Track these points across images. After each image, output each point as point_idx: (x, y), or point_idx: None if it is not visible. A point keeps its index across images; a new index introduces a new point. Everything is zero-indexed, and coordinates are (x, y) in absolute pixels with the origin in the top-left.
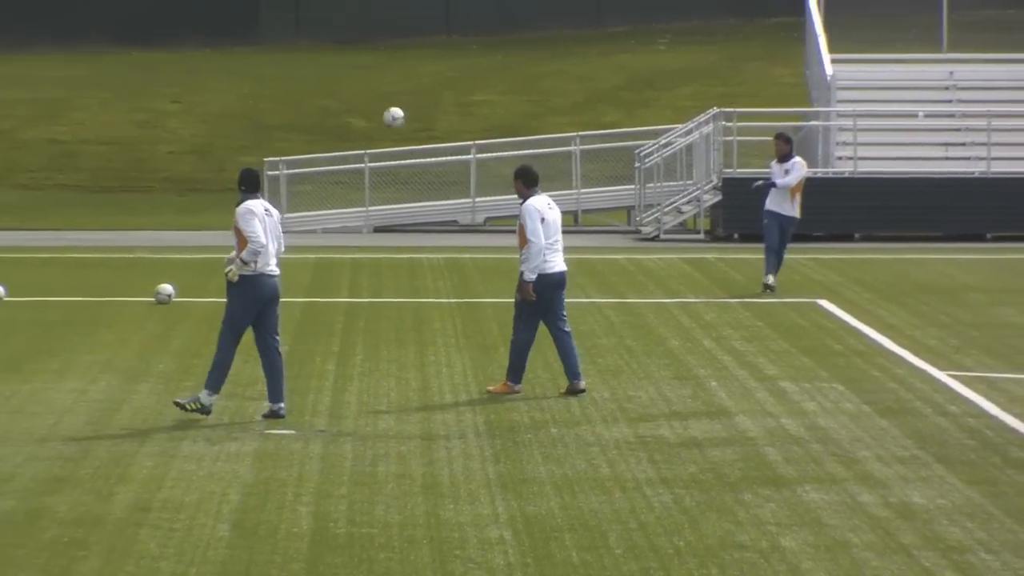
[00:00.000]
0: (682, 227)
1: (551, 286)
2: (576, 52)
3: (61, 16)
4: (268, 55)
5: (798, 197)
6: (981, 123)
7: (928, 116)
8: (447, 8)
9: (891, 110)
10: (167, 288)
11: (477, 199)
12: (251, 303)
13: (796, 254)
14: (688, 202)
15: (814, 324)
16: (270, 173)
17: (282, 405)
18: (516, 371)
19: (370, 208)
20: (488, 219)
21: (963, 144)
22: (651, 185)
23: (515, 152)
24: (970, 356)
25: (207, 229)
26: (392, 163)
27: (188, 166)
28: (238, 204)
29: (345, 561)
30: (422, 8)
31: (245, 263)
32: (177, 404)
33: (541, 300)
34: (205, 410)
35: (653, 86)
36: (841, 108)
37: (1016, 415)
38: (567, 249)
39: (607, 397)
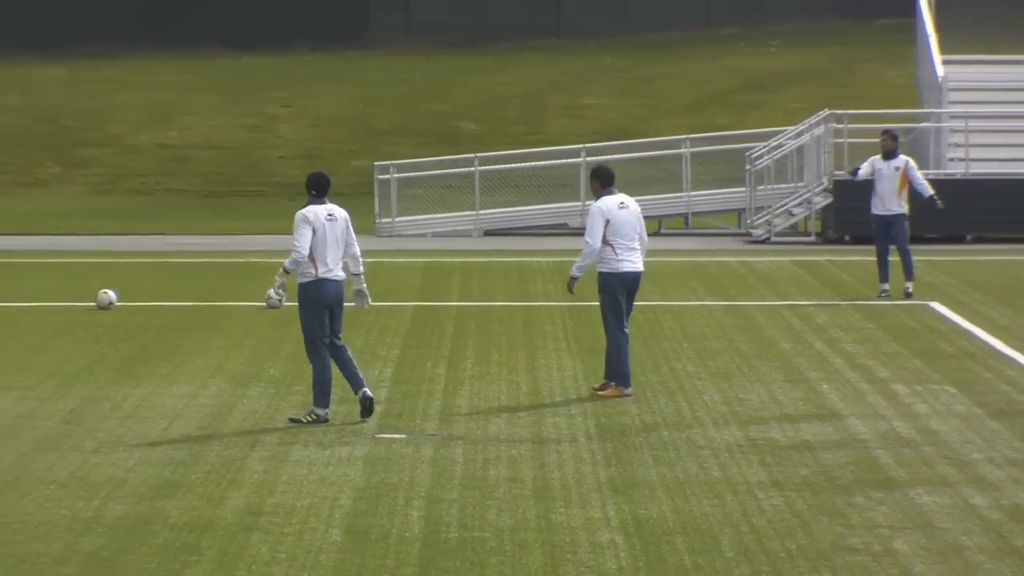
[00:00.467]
0: (793, 229)
1: (630, 282)
2: (686, 54)
3: (171, 21)
4: (378, 59)
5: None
6: None
7: None
8: (557, 11)
9: (1003, 111)
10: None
11: (587, 202)
12: (314, 308)
13: None
14: (799, 204)
15: (926, 326)
16: (380, 177)
17: (366, 389)
18: (620, 376)
19: (480, 212)
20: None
21: None
22: (762, 187)
23: (625, 155)
24: None
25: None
26: (502, 167)
27: (298, 170)
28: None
29: (456, 565)
30: (532, 12)
31: (287, 272)
32: (293, 420)
33: (622, 296)
34: (322, 419)
35: (764, 88)
36: (952, 109)
37: None
38: (675, 251)
39: (718, 400)
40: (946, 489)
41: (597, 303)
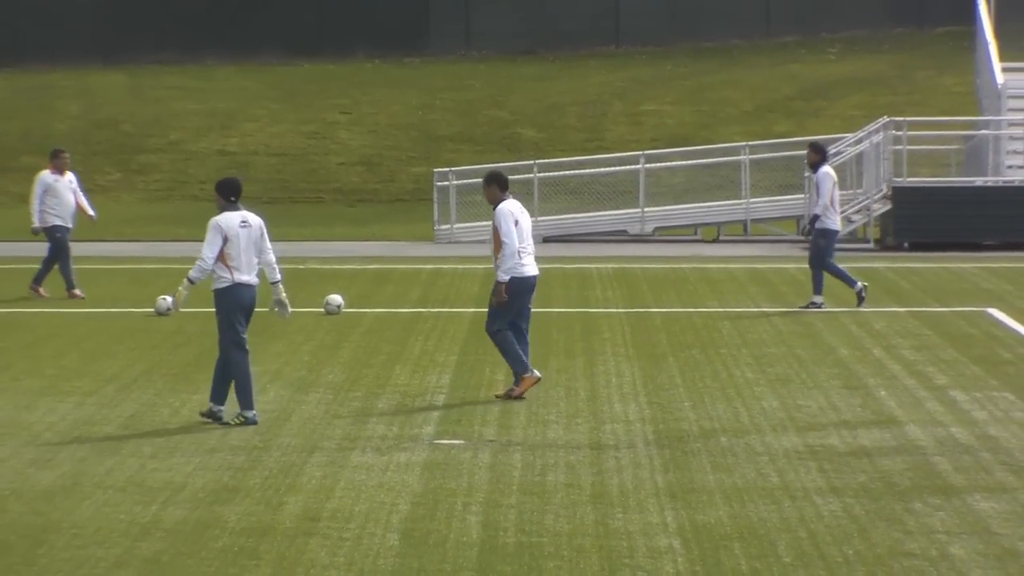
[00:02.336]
0: (852, 236)
1: (526, 290)
2: (745, 62)
3: (232, 28)
4: (438, 66)
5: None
6: None
7: None
8: (616, 19)
9: None
10: (336, 299)
11: (646, 209)
12: (231, 312)
13: (966, 263)
14: (858, 211)
15: (984, 333)
16: (439, 184)
17: (222, 408)
18: (518, 364)
19: (539, 218)
20: (657, 229)
21: None
22: None
23: (684, 162)
24: None
25: (376, 239)
26: (561, 173)
27: (358, 177)
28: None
29: (515, 570)
30: (591, 19)
31: (191, 282)
32: (224, 423)
33: (515, 302)
34: (251, 421)
35: (823, 95)
36: (1012, 116)
37: None
38: (734, 258)
39: (776, 406)
40: (1004, 495)
41: (655, 309)
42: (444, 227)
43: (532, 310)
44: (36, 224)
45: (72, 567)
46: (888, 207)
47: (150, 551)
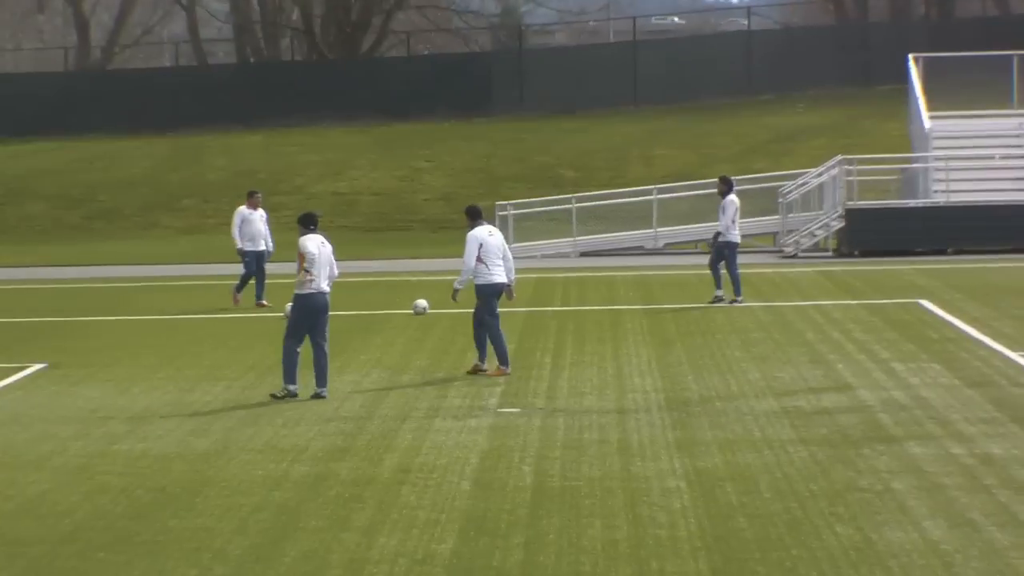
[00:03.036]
0: (815, 247)
1: (495, 293)
2: (733, 115)
3: (342, 97)
4: (498, 124)
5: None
6: None
7: (1003, 157)
8: (635, 85)
9: (975, 153)
10: (422, 303)
11: (659, 229)
12: (308, 315)
13: (903, 265)
14: (820, 227)
15: (917, 319)
16: (500, 213)
17: (324, 389)
18: (502, 356)
19: (577, 238)
20: (667, 244)
21: None
22: (791, 215)
23: (686, 192)
24: None
25: (453, 257)
26: (593, 203)
27: (438, 210)
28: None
29: (558, 507)
30: (616, 85)
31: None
32: (273, 396)
33: (491, 302)
34: (292, 394)
35: (793, 139)
36: (937, 153)
37: None
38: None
39: (758, 377)
40: (932, 442)
41: (665, 305)
42: None
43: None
44: (239, 245)
45: (222, 511)
46: (843, 224)
47: (281, 498)
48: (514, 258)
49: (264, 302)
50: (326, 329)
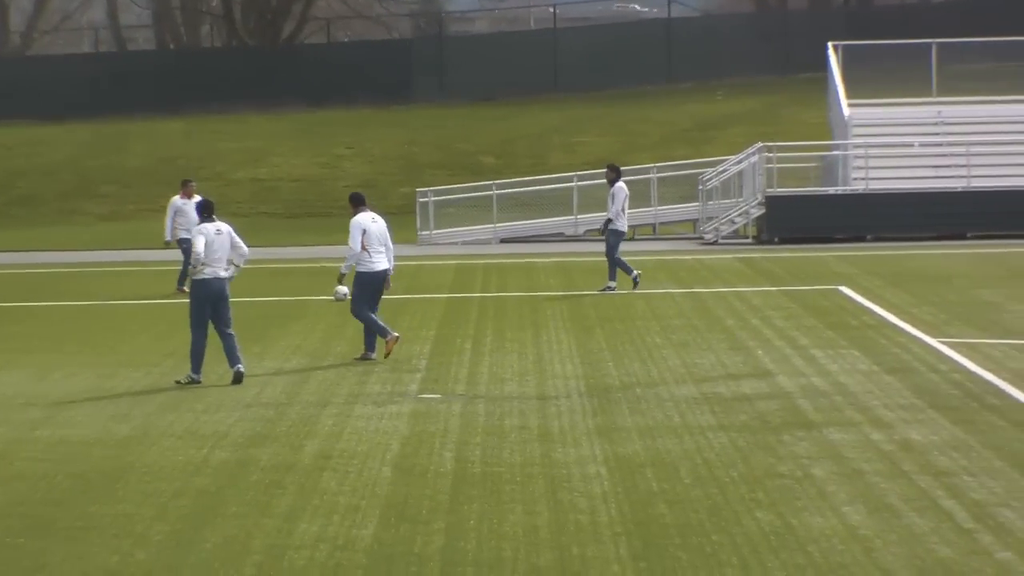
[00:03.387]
0: (735, 234)
1: (378, 280)
2: (654, 103)
3: (263, 85)
4: (419, 111)
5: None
6: (962, 150)
7: (922, 145)
8: (555, 73)
9: (894, 141)
10: (343, 289)
11: (579, 216)
12: (202, 301)
13: (822, 252)
14: (739, 214)
15: (836, 305)
16: (421, 200)
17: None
18: (381, 331)
19: (497, 224)
20: (587, 231)
21: (948, 166)
22: (711, 202)
23: None
24: (955, 327)
25: None
26: (514, 190)
27: None
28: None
29: (480, 493)
30: (536, 73)
31: (193, 267)
32: (177, 382)
33: (371, 289)
34: (196, 381)
35: (713, 127)
36: (856, 141)
37: (991, 371)
38: (646, 252)
39: (678, 364)
40: (852, 428)
41: (585, 292)
42: (425, 233)
43: (505, 294)
44: (168, 237)
45: (143, 497)
46: (763, 211)
47: (202, 484)
48: (436, 244)
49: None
50: (228, 315)
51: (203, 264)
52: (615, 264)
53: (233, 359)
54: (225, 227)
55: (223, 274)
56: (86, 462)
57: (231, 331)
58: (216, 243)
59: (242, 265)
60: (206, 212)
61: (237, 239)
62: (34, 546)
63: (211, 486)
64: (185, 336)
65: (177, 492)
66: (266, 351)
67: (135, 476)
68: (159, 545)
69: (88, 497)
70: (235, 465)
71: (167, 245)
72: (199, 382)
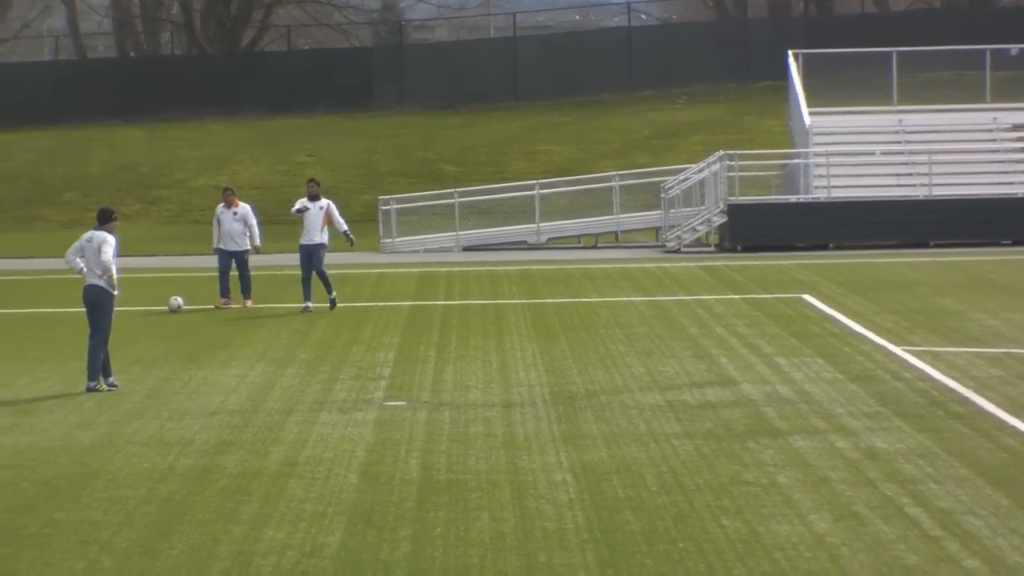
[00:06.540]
0: (698, 242)
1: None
2: (615, 111)
3: (224, 92)
4: (380, 119)
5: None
6: (923, 158)
7: (883, 154)
8: (515, 81)
9: (855, 150)
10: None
11: (541, 224)
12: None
13: (785, 260)
14: (702, 223)
15: (799, 313)
16: (383, 208)
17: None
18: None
19: (459, 232)
20: (549, 239)
21: (910, 175)
22: (673, 210)
23: (569, 188)
24: (918, 334)
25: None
26: (476, 198)
27: None
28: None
29: (446, 500)
30: (497, 81)
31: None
32: (89, 390)
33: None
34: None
35: (674, 135)
36: (817, 149)
37: (954, 379)
38: (608, 260)
39: (643, 372)
40: (816, 436)
41: (548, 300)
42: (387, 241)
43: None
44: (215, 245)
45: (109, 504)
46: (725, 219)
47: (167, 491)
48: (397, 252)
49: (236, 302)
50: (99, 321)
51: (78, 272)
52: (321, 275)
53: (93, 373)
54: (99, 235)
55: (95, 281)
56: (52, 469)
57: (93, 340)
58: (86, 251)
59: (110, 275)
60: (98, 219)
61: (102, 248)
62: (1, 552)
63: (177, 493)
64: (147, 342)
65: (143, 499)
66: (231, 358)
67: (101, 483)
68: (126, 552)
69: (54, 504)
70: (201, 472)
71: (215, 252)
72: (116, 386)
